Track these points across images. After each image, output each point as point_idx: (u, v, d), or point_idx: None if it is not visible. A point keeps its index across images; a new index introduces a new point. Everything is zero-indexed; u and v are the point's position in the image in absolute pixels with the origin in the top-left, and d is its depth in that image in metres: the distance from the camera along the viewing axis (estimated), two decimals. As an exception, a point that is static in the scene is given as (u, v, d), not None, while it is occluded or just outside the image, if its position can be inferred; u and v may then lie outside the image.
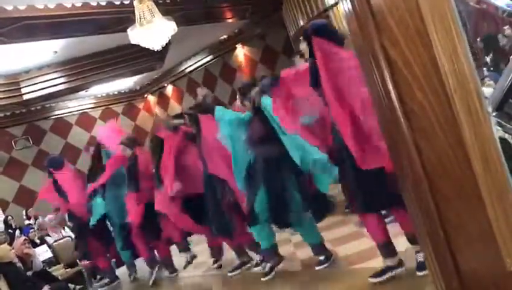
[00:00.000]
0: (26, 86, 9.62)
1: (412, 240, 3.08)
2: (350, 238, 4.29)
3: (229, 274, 4.64)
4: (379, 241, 3.19)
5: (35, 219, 10.26)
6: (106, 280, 6.54)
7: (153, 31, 6.58)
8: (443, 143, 1.14)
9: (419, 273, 2.97)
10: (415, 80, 1.15)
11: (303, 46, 3.15)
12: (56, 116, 12.80)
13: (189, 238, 5.53)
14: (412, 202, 1.27)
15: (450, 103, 1.11)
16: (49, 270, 7.19)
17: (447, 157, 1.13)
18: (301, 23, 8.22)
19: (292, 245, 4.74)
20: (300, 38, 3.19)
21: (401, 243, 3.23)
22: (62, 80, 9.86)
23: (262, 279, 4.01)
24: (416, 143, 1.18)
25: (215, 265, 5.11)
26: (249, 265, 4.69)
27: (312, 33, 2.99)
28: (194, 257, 5.39)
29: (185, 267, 5.40)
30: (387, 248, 3.16)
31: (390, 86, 1.19)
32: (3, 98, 9.57)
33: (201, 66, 12.88)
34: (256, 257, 4.60)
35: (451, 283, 1.20)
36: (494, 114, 1.67)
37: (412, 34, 1.14)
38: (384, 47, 1.17)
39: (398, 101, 1.18)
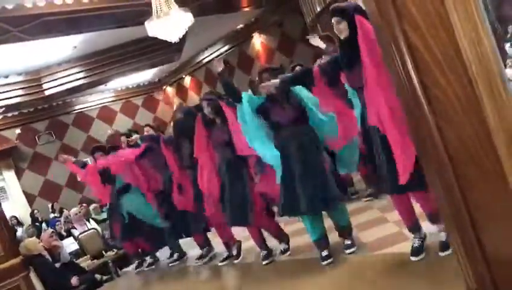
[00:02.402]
0: (47, 82, 9.78)
1: (432, 219, 3.14)
2: (372, 224, 4.29)
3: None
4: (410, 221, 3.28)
5: (61, 212, 10.48)
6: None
7: (170, 22, 6.60)
8: (466, 127, 1.14)
9: (442, 254, 2.98)
10: (437, 65, 1.15)
11: (342, 26, 3.12)
12: (77, 111, 12.98)
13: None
14: (436, 186, 1.28)
15: (472, 87, 1.11)
16: (76, 261, 7.35)
17: (470, 141, 1.13)
18: (318, 9, 8.15)
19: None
20: (335, 19, 3.15)
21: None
22: (82, 74, 9.99)
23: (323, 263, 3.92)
24: (439, 127, 1.18)
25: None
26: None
27: (354, 11, 3.01)
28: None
29: None
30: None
31: (411, 71, 1.19)
32: (26, 94, 9.75)
33: (218, 56, 12.87)
34: (280, 246, 4.61)
35: (477, 265, 1.21)
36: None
37: (432, 18, 1.14)
38: (405, 32, 1.17)
39: (420, 86, 1.19)
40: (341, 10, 3.16)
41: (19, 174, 11.60)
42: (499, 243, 1.23)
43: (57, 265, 6.56)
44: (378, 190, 3.44)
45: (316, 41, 4.34)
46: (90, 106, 13.20)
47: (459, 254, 1.30)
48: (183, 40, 8.55)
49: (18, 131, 11.79)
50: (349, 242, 3.87)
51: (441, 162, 1.24)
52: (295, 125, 3.84)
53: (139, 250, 6.49)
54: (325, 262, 3.83)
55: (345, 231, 3.94)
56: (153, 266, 6.36)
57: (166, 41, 7.39)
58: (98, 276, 6.92)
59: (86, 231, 8.09)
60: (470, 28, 1.14)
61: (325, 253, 3.88)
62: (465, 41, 1.13)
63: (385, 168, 3.06)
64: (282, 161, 3.81)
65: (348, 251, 3.82)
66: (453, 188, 1.24)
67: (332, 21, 3.17)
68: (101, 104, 13.44)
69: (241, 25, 11.72)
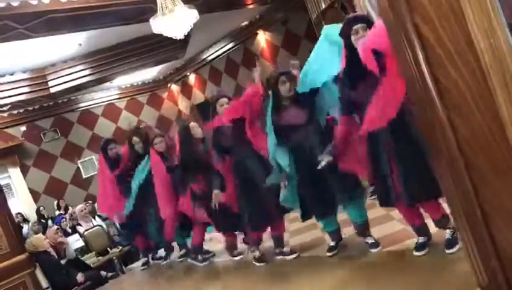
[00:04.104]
0: (52, 79, 9.78)
1: (439, 225, 3.16)
2: (377, 222, 4.28)
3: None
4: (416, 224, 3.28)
5: (66, 209, 10.51)
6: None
7: (175, 19, 6.58)
8: (479, 120, 1.12)
9: (448, 251, 2.97)
10: (449, 58, 1.13)
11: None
12: (83, 108, 13.00)
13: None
14: (447, 181, 1.26)
15: (485, 80, 1.09)
16: (82, 258, 7.37)
17: (483, 135, 1.12)
18: (323, 6, 8.12)
19: (320, 230, 4.75)
20: (359, 26, 3.07)
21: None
22: (87, 72, 9.99)
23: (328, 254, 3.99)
24: (451, 121, 1.17)
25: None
26: None
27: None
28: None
29: None
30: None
31: (423, 65, 1.18)
32: (31, 91, 9.76)
33: (223, 53, 12.86)
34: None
35: (489, 262, 1.19)
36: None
37: (445, 10, 1.12)
38: (416, 25, 1.15)
39: (432, 79, 1.17)
40: (365, 16, 3.17)
41: (24, 171, 11.64)
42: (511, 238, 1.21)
43: (63, 262, 6.59)
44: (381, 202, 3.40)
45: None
46: (95, 104, 13.22)
47: (470, 249, 1.28)
48: (188, 37, 8.52)
49: (23, 128, 11.82)
50: (372, 241, 3.83)
51: (452, 155, 1.22)
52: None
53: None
54: (330, 253, 3.92)
55: (360, 228, 3.92)
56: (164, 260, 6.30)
57: (171, 38, 7.37)
58: (103, 273, 6.94)
59: (91, 227, 8.11)
60: (483, 18, 1.12)
61: (332, 243, 4.00)
62: (478, 33, 1.11)
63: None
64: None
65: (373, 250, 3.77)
66: (465, 182, 1.22)
67: (356, 28, 3.08)
68: (105, 101, 13.46)
69: (245, 22, 11.69)
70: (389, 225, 4.08)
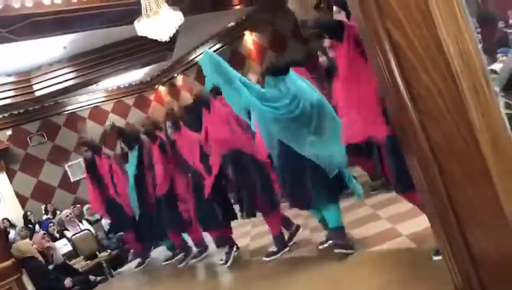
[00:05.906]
0: (37, 83, 9.69)
1: None
2: (366, 221, 4.30)
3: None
4: None
5: (54, 213, 10.43)
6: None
7: (159, 22, 6.55)
8: (451, 125, 1.13)
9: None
10: (420, 62, 1.14)
11: None
12: (69, 111, 12.91)
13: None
14: (421, 186, 1.27)
15: (456, 84, 1.10)
16: (70, 263, 7.31)
17: (455, 139, 1.12)
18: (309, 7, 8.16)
19: (309, 230, 4.77)
20: None
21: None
22: (73, 74, 9.90)
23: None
24: (424, 126, 1.17)
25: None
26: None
27: None
28: None
29: None
30: None
31: (395, 69, 1.18)
32: (16, 95, 9.66)
33: (210, 55, 12.83)
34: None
35: (462, 263, 1.20)
36: (501, 94, 1.63)
37: (415, 15, 1.13)
38: (387, 30, 1.16)
39: (404, 84, 1.18)
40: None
41: (10, 176, 11.53)
42: (485, 242, 1.22)
43: (50, 267, 6.53)
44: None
45: None
46: (81, 107, 13.13)
47: (445, 251, 1.30)
48: (174, 39, 8.49)
49: (9, 132, 11.72)
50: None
51: (426, 160, 1.23)
52: None
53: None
54: (351, 251, 3.73)
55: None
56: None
57: (157, 40, 7.34)
58: (91, 277, 6.89)
59: (79, 232, 8.05)
60: (452, 24, 1.12)
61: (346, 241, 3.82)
62: (448, 38, 1.12)
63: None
64: None
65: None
66: (438, 187, 1.23)
67: None
68: (92, 104, 13.36)
69: (232, 23, 11.68)
70: (376, 224, 4.10)
